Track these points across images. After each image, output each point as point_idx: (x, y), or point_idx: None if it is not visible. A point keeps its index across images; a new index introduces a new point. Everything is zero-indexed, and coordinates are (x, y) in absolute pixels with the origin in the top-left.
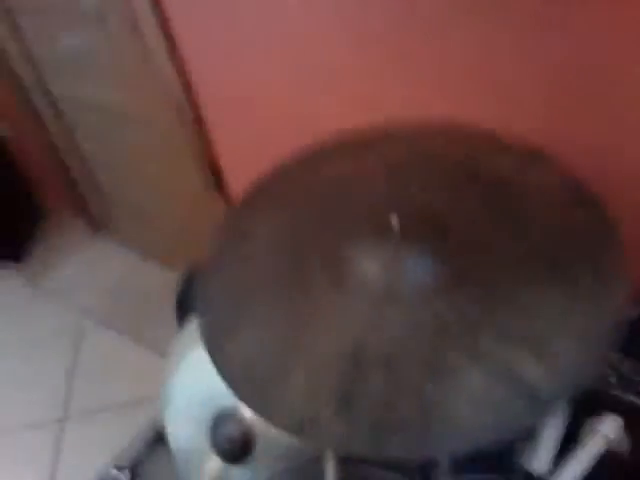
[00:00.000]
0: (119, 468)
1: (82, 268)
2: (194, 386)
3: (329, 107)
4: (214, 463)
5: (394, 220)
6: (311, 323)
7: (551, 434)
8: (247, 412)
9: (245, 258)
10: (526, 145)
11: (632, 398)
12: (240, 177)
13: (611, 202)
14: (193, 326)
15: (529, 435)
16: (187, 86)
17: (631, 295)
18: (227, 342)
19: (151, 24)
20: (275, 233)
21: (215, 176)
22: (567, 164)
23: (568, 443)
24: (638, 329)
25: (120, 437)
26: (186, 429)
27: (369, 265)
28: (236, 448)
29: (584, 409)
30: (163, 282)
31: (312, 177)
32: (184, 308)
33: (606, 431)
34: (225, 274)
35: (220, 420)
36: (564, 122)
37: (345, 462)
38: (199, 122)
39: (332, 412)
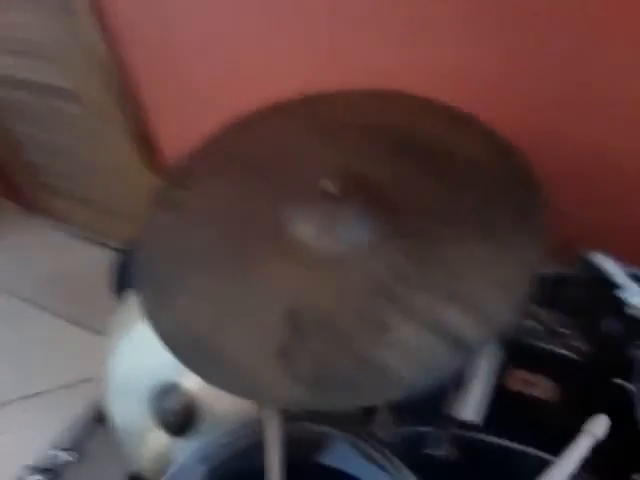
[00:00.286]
0: (61, 449)
1: (15, 251)
2: (134, 363)
3: (264, 78)
4: (158, 438)
5: (329, 184)
6: (250, 287)
7: (479, 384)
8: (190, 384)
9: (181, 228)
10: (456, 109)
11: (555, 348)
12: (175, 152)
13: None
14: (131, 303)
15: (459, 386)
16: (118, 59)
17: (554, 250)
18: (166, 310)
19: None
20: (211, 201)
21: (149, 151)
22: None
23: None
24: (561, 284)
25: (62, 419)
26: (128, 406)
27: (305, 228)
28: (180, 420)
29: (513, 360)
30: (99, 261)
31: (245, 145)
32: (121, 285)
33: (595, 431)
34: (161, 244)
35: (163, 394)
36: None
37: (287, 421)
38: (131, 97)
39: (272, 370)
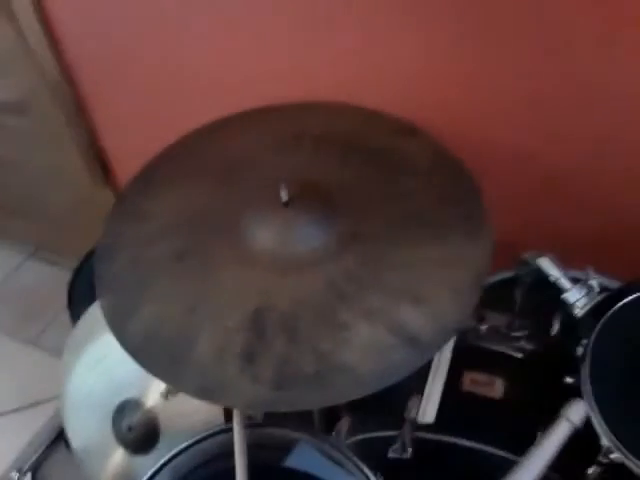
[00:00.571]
0: (19, 471)
1: None
2: (92, 381)
3: (215, 94)
4: (118, 455)
5: (283, 191)
6: (213, 293)
7: (436, 387)
8: (149, 400)
9: (143, 237)
10: (401, 119)
11: (504, 349)
12: (126, 167)
13: None
14: (86, 321)
15: (416, 389)
16: (66, 72)
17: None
18: (130, 318)
19: (25, 7)
20: (171, 210)
21: (100, 166)
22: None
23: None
24: (508, 287)
25: (18, 442)
26: (87, 425)
27: (264, 234)
28: (140, 437)
29: (464, 361)
30: (51, 279)
31: (202, 155)
32: (76, 303)
33: (571, 417)
34: (123, 254)
35: (123, 411)
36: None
37: (253, 427)
38: (81, 111)
39: (237, 373)
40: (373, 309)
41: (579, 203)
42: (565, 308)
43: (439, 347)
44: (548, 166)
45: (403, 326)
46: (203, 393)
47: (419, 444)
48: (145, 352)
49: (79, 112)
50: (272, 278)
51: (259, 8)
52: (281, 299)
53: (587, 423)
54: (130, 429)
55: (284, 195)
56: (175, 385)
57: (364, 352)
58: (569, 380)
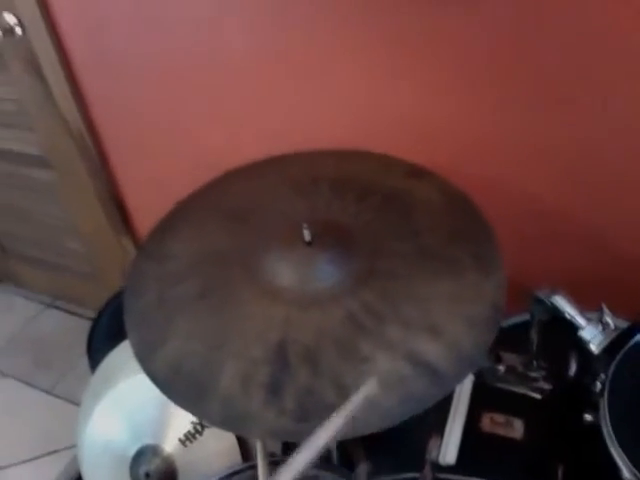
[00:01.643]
0: None
1: None
2: (110, 428)
3: (232, 141)
4: None
5: (305, 232)
6: (237, 328)
7: (454, 429)
8: (168, 447)
9: (168, 276)
10: (410, 162)
11: (522, 390)
12: (146, 215)
13: None
14: (105, 368)
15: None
16: (89, 126)
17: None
18: (157, 352)
19: (54, 68)
20: (194, 250)
21: (121, 215)
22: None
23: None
24: (523, 327)
25: None
26: (105, 472)
27: (285, 272)
28: None
29: (481, 403)
30: (69, 329)
31: (224, 199)
32: (95, 350)
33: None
34: (150, 292)
35: (141, 457)
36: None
37: (273, 465)
38: (102, 163)
39: (261, 404)
40: (392, 341)
41: (584, 243)
42: (581, 345)
43: (458, 379)
44: (554, 207)
45: (422, 358)
46: (227, 423)
47: None
48: (171, 384)
49: (101, 164)
50: (294, 312)
51: (268, 64)
52: (303, 332)
53: (608, 456)
54: (148, 476)
55: (307, 234)
56: (200, 416)
57: (385, 384)
58: (588, 418)
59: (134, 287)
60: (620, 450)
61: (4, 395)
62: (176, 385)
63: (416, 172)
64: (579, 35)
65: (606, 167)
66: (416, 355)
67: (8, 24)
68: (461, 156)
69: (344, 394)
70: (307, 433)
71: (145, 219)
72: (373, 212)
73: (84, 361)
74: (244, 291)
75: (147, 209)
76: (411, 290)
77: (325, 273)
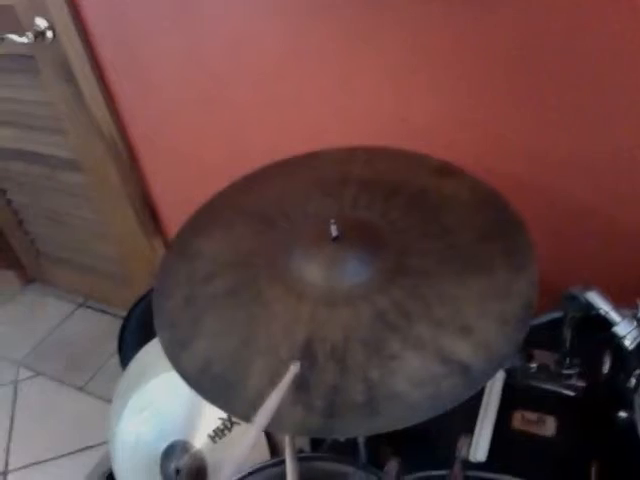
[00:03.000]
0: None
1: (14, 321)
2: (141, 424)
3: (259, 145)
4: None
5: (332, 228)
6: (265, 325)
7: (487, 426)
8: (198, 443)
9: (196, 275)
10: (439, 160)
11: (555, 387)
12: (177, 217)
13: None
14: (135, 366)
15: (467, 428)
16: (120, 128)
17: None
18: (187, 350)
19: (85, 72)
20: (223, 250)
21: (150, 218)
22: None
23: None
24: (556, 324)
25: None
26: (136, 468)
27: (313, 269)
28: (188, 479)
29: (512, 401)
30: (100, 328)
31: (252, 198)
32: (126, 349)
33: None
34: (179, 291)
35: (171, 454)
36: None
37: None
38: (132, 165)
39: (289, 400)
40: (421, 339)
41: (617, 240)
42: (616, 342)
43: (488, 377)
44: (588, 204)
45: (452, 356)
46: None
47: None
48: (201, 381)
49: (133, 168)
50: (322, 310)
51: (300, 64)
52: (331, 330)
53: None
54: (178, 472)
55: (334, 231)
56: (230, 412)
57: (414, 381)
58: (623, 415)
59: (163, 286)
60: None
61: (38, 393)
62: (206, 382)
63: (446, 170)
64: (602, 33)
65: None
66: (446, 353)
67: (40, 28)
68: (492, 155)
69: (372, 391)
70: (335, 429)
71: (176, 222)
72: (402, 210)
73: (115, 359)
74: (272, 289)
75: (178, 212)
76: (441, 288)
77: (353, 271)
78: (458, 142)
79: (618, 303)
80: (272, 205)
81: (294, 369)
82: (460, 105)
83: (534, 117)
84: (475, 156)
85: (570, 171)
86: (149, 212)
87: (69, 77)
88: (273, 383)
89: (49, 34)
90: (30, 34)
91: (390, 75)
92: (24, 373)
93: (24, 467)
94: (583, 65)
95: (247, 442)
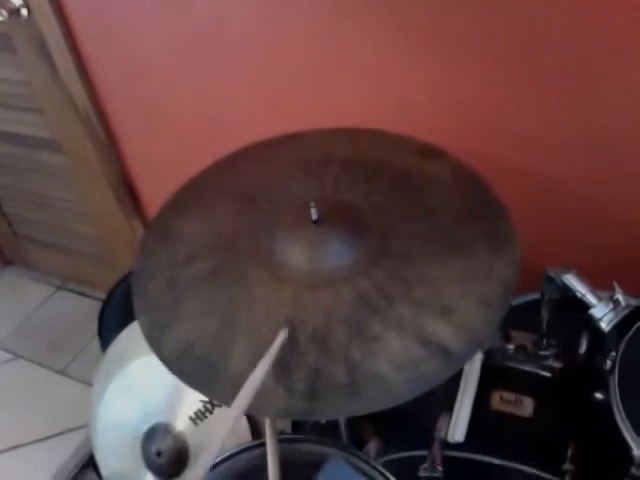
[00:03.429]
0: None
1: None
2: (122, 407)
3: (243, 121)
4: None
5: (313, 210)
6: (247, 308)
7: (464, 407)
8: (179, 425)
9: (177, 257)
10: (423, 142)
11: (532, 368)
12: (156, 197)
13: None
14: (116, 348)
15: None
16: (98, 108)
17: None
18: (167, 333)
19: (61, 49)
20: (204, 231)
21: (129, 199)
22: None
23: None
24: (534, 306)
25: (49, 469)
26: (117, 451)
27: (294, 252)
28: (170, 462)
29: (490, 382)
30: (80, 310)
31: (233, 179)
32: (106, 331)
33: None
34: (159, 274)
35: (152, 436)
36: None
37: (282, 443)
38: (111, 145)
39: (271, 383)
40: (402, 321)
41: (597, 222)
42: (592, 324)
43: (468, 358)
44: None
45: (432, 337)
46: None
47: (449, 463)
48: (181, 364)
49: (110, 147)
50: (304, 292)
51: (284, 41)
52: (313, 312)
53: (618, 433)
54: (159, 454)
55: (314, 214)
56: (210, 395)
57: (395, 362)
58: (599, 396)
59: (143, 268)
60: (630, 428)
61: (17, 376)
62: (186, 365)
63: (428, 151)
64: (603, 18)
65: (624, 149)
66: (426, 334)
67: (14, 5)
68: (475, 137)
69: (354, 372)
70: (317, 412)
71: (155, 201)
72: (384, 192)
73: (95, 342)
74: (254, 272)
75: (157, 191)
76: (422, 270)
77: (334, 253)
78: (446, 123)
79: (596, 286)
80: (254, 186)
81: (283, 335)
82: (450, 86)
83: (529, 102)
84: (460, 139)
85: (559, 156)
86: (128, 193)
87: (45, 55)
88: (254, 365)
89: (24, 12)
90: (4, 12)
91: (377, 54)
92: (3, 356)
93: (3, 451)
94: (581, 58)
95: (242, 398)
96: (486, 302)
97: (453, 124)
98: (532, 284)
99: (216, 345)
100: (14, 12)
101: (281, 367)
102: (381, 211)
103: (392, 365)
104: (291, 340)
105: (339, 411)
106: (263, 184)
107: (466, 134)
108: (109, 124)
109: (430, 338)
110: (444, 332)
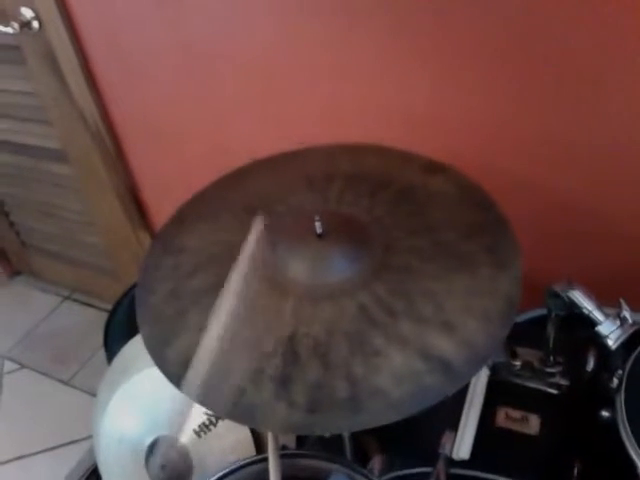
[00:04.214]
0: None
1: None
2: (126, 419)
3: (244, 137)
4: None
5: (318, 224)
6: (249, 321)
7: (471, 423)
8: (182, 438)
9: (180, 270)
10: (428, 158)
11: (538, 386)
12: (163, 209)
13: None
14: (121, 360)
15: (450, 426)
16: (106, 120)
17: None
18: (169, 346)
19: (71, 62)
20: (207, 244)
21: (138, 208)
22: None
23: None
24: (540, 323)
25: (52, 479)
26: (121, 463)
27: (298, 266)
28: (173, 474)
29: (496, 399)
30: (86, 321)
31: (237, 194)
32: (112, 342)
33: None
34: (162, 286)
35: (156, 448)
36: None
37: (285, 458)
38: (118, 157)
39: (272, 396)
40: (405, 336)
41: (603, 238)
42: (599, 341)
43: (471, 374)
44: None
45: (434, 352)
46: (238, 416)
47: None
48: (181, 377)
49: (118, 159)
50: (305, 306)
51: (287, 49)
52: (314, 326)
53: (624, 452)
54: (163, 467)
55: (318, 227)
56: (211, 408)
57: (396, 377)
58: (605, 414)
59: (147, 280)
60: (636, 446)
61: (23, 386)
62: (187, 378)
63: (433, 167)
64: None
65: (629, 163)
66: (429, 349)
67: (25, 18)
68: (478, 150)
69: (355, 387)
70: (318, 426)
71: (161, 214)
72: (387, 206)
73: (101, 353)
74: (257, 285)
75: (163, 204)
76: (425, 285)
77: (337, 267)
78: (448, 134)
79: (603, 302)
80: (256, 200)
81: (260, 220)
82: (455, 95)
83: (532, 113)
84: (462, 149)
85: (562, 169)
86: (135, 205)
87: (55, 67)
88: (255, 380)
89: (35, 24)
90: (16, 24)
91: (382, 64)
92: (9, 366)
93: (8, 462)
94: (581, 59)
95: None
96: (489, 318)
97: (455, 134)
98: (536, 300)
99: (218, 358)
100: (25, 24)
101: (281, 380)
102: (384, 225)
103: (394, 380)
104: (292, 353)
105: (340, 426)
106: (267, 198)
107: (468, 145)
108: (117, 136)
109: (432, 353)
110: (446, 347)
